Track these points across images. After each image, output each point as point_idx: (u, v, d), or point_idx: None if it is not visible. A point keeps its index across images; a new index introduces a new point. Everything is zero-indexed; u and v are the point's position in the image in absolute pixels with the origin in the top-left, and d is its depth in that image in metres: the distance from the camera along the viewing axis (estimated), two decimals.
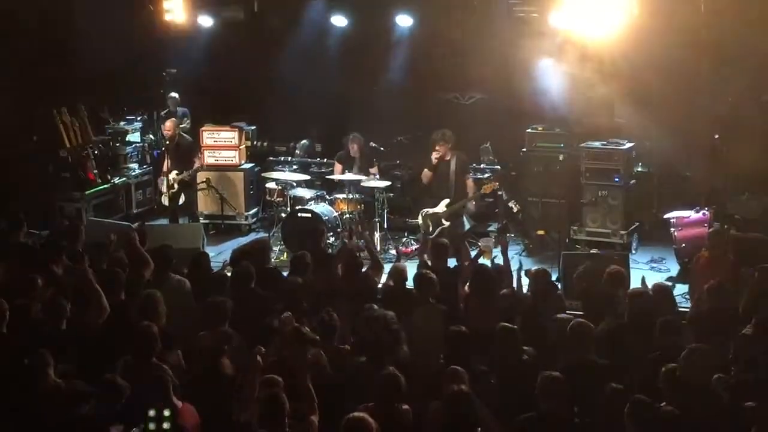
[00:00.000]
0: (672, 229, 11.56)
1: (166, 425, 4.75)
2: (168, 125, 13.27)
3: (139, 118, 15.33)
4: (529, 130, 13.21)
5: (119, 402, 6.15)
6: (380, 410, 5.94)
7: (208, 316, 7.64)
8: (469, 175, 12.54)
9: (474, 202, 12.39)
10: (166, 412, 4.77)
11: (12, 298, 7.99)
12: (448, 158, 12.25)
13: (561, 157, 12.81)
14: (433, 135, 12.32)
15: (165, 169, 13.19)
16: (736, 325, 7.67)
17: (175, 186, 13.10)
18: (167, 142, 13.52)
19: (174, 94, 14.85)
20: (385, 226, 12.99)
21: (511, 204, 13.10)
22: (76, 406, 6.25)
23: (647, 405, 5.94)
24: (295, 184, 13.20)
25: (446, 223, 11.93)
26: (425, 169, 12.37)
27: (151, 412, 4.76)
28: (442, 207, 11.97)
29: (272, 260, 10.99)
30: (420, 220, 12.17)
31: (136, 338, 6.89)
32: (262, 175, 13.99)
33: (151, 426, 4.74)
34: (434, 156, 12.27)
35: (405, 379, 6.30)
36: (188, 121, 14.53)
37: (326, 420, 6.11)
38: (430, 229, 11.99)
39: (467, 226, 12.81)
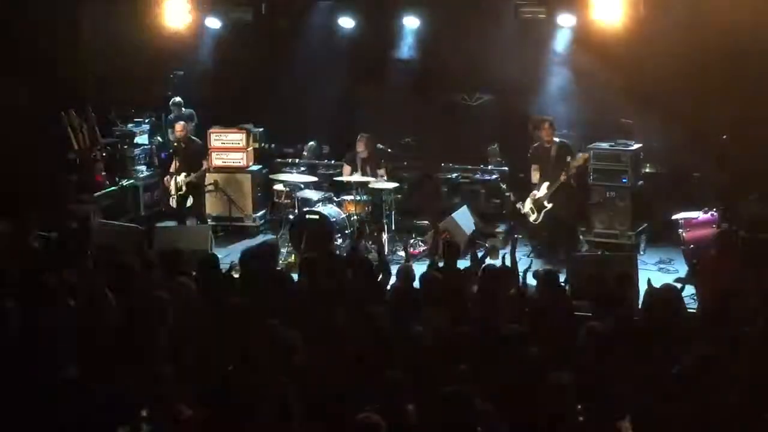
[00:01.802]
0: (680, 230, 11.55)
1: None
2: (178, 127, 13.31)
3: (146, 121, 15.35)
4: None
5: (125, 404, 6.16)
6: (385, 411, 5.94)
7: (228, 318, 7.64)
8: (572, 158, 12.11)
9: (567, 177, 11.97)
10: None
11: (25, 300, 8.04)
12: (548, 145, 12.07)
13: (568, 158, 12.78)
14: (535, 121, 12.16)
15: (173, 170, 13.23)
16: (743, 327, 7.64)
17: (183, 188, 13.14)
18: (175, 144, 13.54)
19: (177, 98, 14.85)
20: (393, 228, 12.99)
21: (518, 205, 13.10)
22: (85, 406, 6.27)
23: (652, 407, 5.93)
24: (302, 185, 13.21)
25: (548, 206, 11.86)
26: (533, 165, 12.22)
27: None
28: (543, 190, 11.87)
29: (280, 262, 11.01)
30: (525, 208, 12.11)
31: (144, 341, 6.91)
32: (270, 177, 14.00)
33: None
34: (543, 137, 12.12)
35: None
36: (193, 123, 14.52)
37: (330, 422, 6.11)
38: (535, 215, 11.95)
39: (473, 227, 12.82)
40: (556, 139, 12.13)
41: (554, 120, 12.26)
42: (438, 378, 6.66)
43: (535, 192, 11.98)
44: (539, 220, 11.97)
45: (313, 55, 14.29)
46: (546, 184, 11.85)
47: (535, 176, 12.12)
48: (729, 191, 12.19)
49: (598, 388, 6.62)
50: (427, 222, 13.49)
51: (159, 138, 15.27)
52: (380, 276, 9.44)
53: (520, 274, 9.16)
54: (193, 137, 13.56)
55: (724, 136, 12.54)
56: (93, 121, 14.14)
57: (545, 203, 11.87)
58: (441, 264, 9.56)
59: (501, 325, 7.34)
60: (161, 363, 6.83)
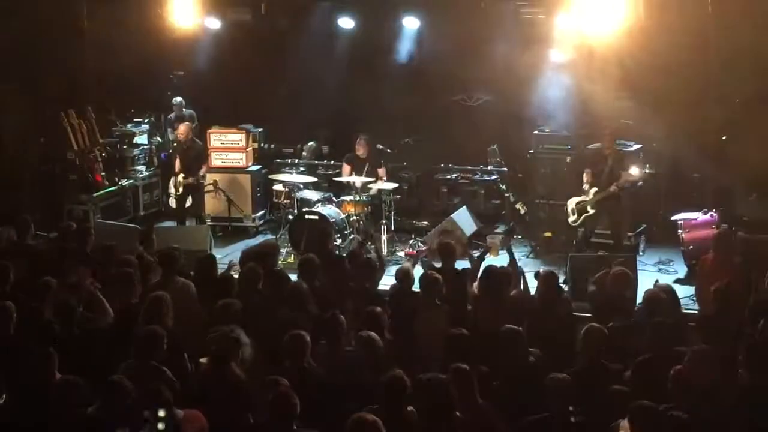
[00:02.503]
0: (679, 231, 11.53)
1: None
2: (182, 129, 13.26)
3: (146, 121, 15.36)
4: (536, 132, 13.21)
5: (125, 404, 6.15)
6: (385, 412, 5.95)
7: (216, 317, 7.64)
8: (625, 171, 11.70)
9: (618, 189, 11.59)
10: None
11: (23, 300, 8.03)
12: (607, 152, 11.75)
13: (568, 159, 12.79)
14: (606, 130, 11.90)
15: (176, 170, 13.22)
16: (743, 327, 7.65)
17: (180, 189, 13.11)
18: (175, 144, 13.51)
19: (179, 99, 14.83)
20: (392, 228, 12.99)
21: (518, 206, 13.10)
22: (82, 407, 6.27)
23: (649, 408, 5.92)
24: (302, 186, 13.21)
25: (591, 211, 11.64)
26: (586, 168, 11.87)
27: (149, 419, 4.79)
28: (590, 195, 11.64)
29: (279, 262, 11.00)
30: (568, 209, 11.88)
31: (139, 341, 6.91)
32: (269, 177, 13.99)
33: None
34: (604, 144, 11.86)
35: None
36: (195, 124, 14.52)
37: (330, 422, 6.11)
38: (575, 217, 11.78)
39: (474, 227, 12.82)
40: (617, 148, 11.95)
41: (617, 129, 12.04)
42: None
43: (582, 195, 11.79)
44: (577, 223, 11.80)
45: (313, 55, 14.28)
46: (594, 190, 11.67)
47: (586, 180, 11.79)
48: (728, 192, 12.19)
49: (598, 389, 6.63)
50: (426, 222, 13.48)
51: (158, 138, 15.27)
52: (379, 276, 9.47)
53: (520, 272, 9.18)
54: (196, 139, 13.54)
55: (724, 137, 12.54)
56: (92, 121, 14.15)
57: (588, 208, 11.69)
58: (439, 265, 9.55)
59: (501, 325, 7.33)
60: (161, 363, 6.83)
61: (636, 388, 6.59)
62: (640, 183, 12.09)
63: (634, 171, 11.68)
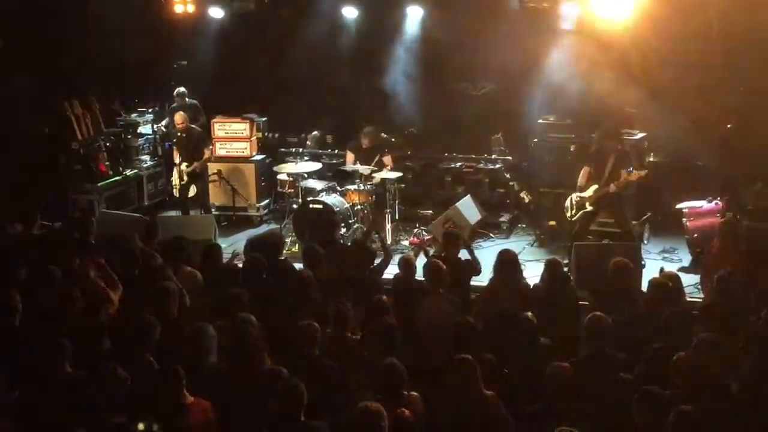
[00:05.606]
0: (684, 220, 11.53)
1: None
2: (178, 118, 13.27)
3: (150, 110, 15.37)
4: (540, 121, 13.19)
5: (120, 393, 6.17)
6: (389, 399, 5.97)
7: (223, 306, 7.66)
8: (627, 169, 11.38)
9: (618, 189, 11.32)
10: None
11: (29, 290, 8.05)
12: (609, 150, 11.43)
13: (572, 148, 12.77)
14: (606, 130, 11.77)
15: (177, 161, 13.23)
16: (746, 316, 7.64)
17: (185, 177, 13.13)
18: (178, 134, 13.52)
19: (182, 89, 14.80)
20: (397, 217, 12.99)
21: (522, 194, 13.09)
22: (80, 396, 6.29)
23: (655, 395, 5.92)
24: (306, 175, 13.21)
25: (589, 208, 11.47)
26: (585, 166, 11.62)
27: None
28: (590, 192, 11.47)
29: (284, 252, 11.01)
30: (567, 204, 11.68)
31: (137, 330, 6.92)
32: (274, 167, 14.00)
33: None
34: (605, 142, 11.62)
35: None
36: (202, 116, 14.49)
37: (334, 411, 6.14)
38: (573, 211, 11.58)
39: (479, 216, 12.82)
40: (620, 146, 11.83)
41: (617, 128, 11.96)
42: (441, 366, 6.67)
43: (580, 193, 11.69)
44: (575, 218, 11.71)
45: (317, 44, 14.26)
46: (594, 187, 11.57)
47: (583, 178, 11.54)
48: (733, 180, 12.17)
49: (601, 378, 6.64)
50: (430, 211, 13.49)
51: (163, 128, 15.27)
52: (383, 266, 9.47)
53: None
54: (193, 126, 13.52)
55: (729, 125, 12.51)
56: (96, 111, 14.16)
57: (587, 205, 11.60)
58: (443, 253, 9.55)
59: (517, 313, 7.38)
60: (165, 353, 6.85)
61: (642, 377, 6.60)
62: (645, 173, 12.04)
63: (634, 172, 11.58)
